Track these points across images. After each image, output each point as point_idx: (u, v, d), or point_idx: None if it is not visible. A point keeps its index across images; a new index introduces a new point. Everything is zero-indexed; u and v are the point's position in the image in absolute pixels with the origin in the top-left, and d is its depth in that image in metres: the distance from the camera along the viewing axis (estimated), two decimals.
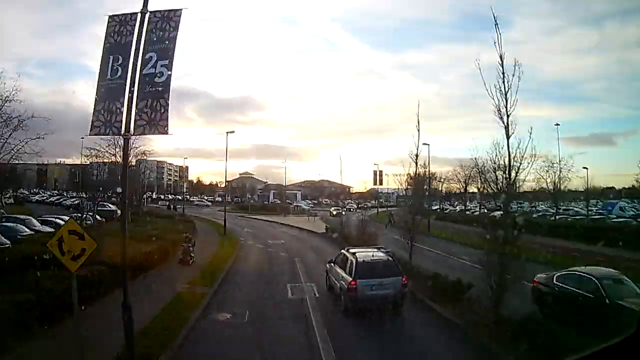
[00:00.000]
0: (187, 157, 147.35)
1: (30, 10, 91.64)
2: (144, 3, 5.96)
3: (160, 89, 5.91)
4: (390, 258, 10.21)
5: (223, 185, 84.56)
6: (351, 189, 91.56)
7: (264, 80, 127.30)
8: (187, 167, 57.84)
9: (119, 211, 20.78)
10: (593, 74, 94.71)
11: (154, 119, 5.86)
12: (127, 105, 5.67)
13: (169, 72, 5.95)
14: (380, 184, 41.83)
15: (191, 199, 61.93)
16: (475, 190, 42.26)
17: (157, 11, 6.04)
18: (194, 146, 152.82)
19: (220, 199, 71.08)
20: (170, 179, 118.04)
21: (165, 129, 5.96)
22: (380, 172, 40.48)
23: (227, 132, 28.08)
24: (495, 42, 7.55)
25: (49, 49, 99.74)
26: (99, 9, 37.78)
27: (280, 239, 22.80)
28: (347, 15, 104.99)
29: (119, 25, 5.99)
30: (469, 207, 47.85)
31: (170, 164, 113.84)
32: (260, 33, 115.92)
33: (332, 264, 11.19)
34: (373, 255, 10.15)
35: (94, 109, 5.74)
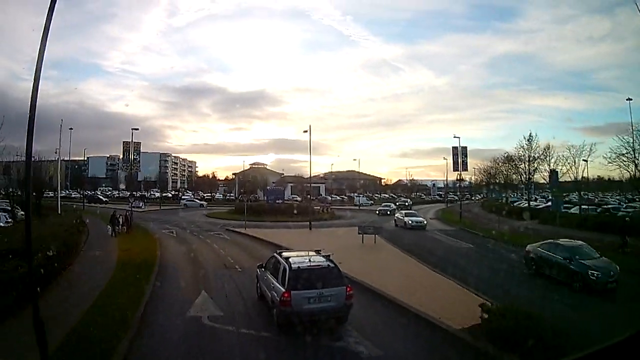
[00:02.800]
0: (202, 153, 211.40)
1: (40, 12, 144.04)
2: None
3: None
4: (331, 264, 13.70)
5: (230, 179, 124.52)
6: (383, 180, 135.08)
7: (279, 75, 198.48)
8: (193, 162, 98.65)
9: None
10: (607, 63, 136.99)
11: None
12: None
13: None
14: (465, 169, 62.55)
15: (183, 196, 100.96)
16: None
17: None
18: (210, 141, 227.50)
19: (221, 195, 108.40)
20: (176, 174, 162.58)
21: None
22: (464, 158, 59.91)
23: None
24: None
25: (61, 49, 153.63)
26: (108, 8, 75.16)
27: None
28: (359, 8, 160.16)
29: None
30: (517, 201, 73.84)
31: (176, 156, 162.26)
32: (272, 27, 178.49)
33: (263, 269, 15.84)
34: (310, 261, 13.76)
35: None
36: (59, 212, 49.00)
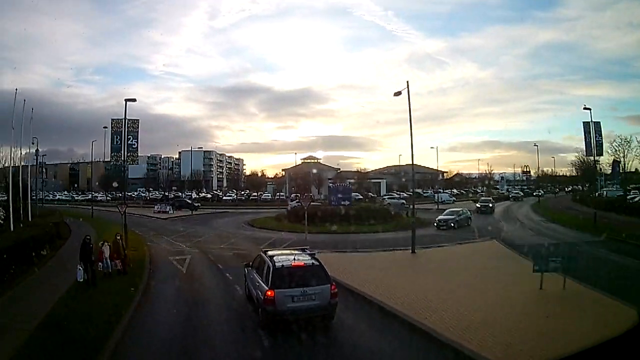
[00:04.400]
0: (250, 152, 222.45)
1: (82, 20, 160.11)
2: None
3: (133, 149, 29.41)
4: (315, 262, 13.62)
5: (280, 177, 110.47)
6: (446, 174, 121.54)
7: (323, 72, 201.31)
8: (240, 160, 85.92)
9: None
10: None
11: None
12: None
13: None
14: (601, 153, 50.81)
15: (223, 197, 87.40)
16: None
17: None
18: (257, 140, 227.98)
19: (269, 195, 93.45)
20: (221, 173, 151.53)
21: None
22: (598, 138, 46.93)
23: None
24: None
25: (105, 55, 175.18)
26: (148, 13, 69.61)
27: None
28: (399, 2, 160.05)
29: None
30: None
31: (221, 154, 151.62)
32: (314, 26, 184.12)
33: (250, 268, 15.70)
34: (295, 259, 13.70)
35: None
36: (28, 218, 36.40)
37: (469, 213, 42.57)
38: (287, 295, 12.48)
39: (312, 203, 39.22)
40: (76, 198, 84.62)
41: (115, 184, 62.53)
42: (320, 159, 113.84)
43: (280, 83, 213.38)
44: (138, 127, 29.46)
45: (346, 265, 22.62)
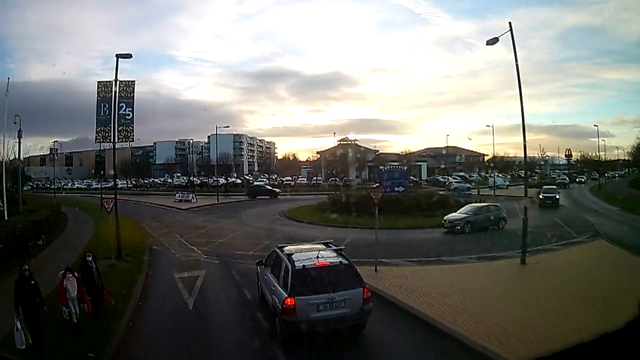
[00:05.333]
0: (281, 136, 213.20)
1: (109, 10, 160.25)
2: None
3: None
4: (344, 260, 11.49)
5: (315, 159, 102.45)
6: (486, 156, 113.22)
7: (353, 56, 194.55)
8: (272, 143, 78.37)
9: None
10: None
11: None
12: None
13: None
14: None
15: (254, 182, 79.53)
16: None
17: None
18: (289, 124, 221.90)
19: (304, 179, 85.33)
20: (252, 157, 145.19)
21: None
22: None
23: None
24: None
25: (133, 42, 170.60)
26: (175, 0, 64.26)
27: None
28: None
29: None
30: None
31: (252, 137, 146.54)
32: (342, 9, 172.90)
33: (264, 266, 13.75)
34: (318, 257, 11.34)
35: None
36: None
37: (500, 210, 30.42)
38: (310, 303, 10.29)
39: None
40: (94, 186, 77.78)
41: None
42: (357, 140, 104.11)
43: (310, 67, 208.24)
44: (133, 92, 21.39)
45: (457, 301, 13.97)
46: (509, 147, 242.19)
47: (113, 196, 21.44)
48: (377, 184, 69.48)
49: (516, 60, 19.81)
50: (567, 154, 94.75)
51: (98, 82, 21.35)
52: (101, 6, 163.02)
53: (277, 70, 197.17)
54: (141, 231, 29.42)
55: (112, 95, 20.86)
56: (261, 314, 12.99)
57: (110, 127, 20.73)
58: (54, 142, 66.60)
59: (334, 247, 12.51)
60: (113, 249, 20.17)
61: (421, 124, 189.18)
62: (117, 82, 20.92)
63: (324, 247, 12.62)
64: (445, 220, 29.11)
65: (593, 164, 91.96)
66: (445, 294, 14.66)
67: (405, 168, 45.55)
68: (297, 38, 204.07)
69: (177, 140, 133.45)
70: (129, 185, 78.83)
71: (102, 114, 21.03)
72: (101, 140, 20.96)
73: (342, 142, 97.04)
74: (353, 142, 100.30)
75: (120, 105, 20.91)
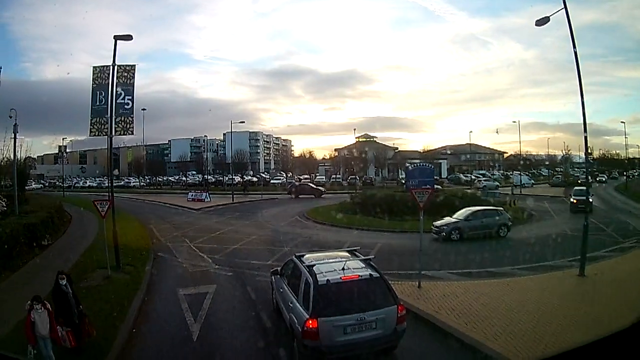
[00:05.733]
0: (298, 134, 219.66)
1: (123, 9, 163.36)
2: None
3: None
4: (374, 273, 9.68)
5: (333, 157, 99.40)
6: (505, 154, 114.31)
7: (368, 54, 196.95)
8: (288, 141, 75.76)
9: None
10: None
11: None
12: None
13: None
14: None
15: (271, 180, 76.83)
16: None
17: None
18: (305, 122, 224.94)
19: (322, 177, 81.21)
20: (268, 154, 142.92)
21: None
22: None
23: None
24: None
25: (148, 42, 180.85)
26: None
27: None
28: None
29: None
30: None
31: (268, 135, 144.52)
32: (359, 7, 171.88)
33: (279, 276, 12.21)
34: (344, 269, 9.69)
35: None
36: None
37: (502, 215, 26.17)
38: (336, 325, 8.49)
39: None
40: (106, 184, 75.63)
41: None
42: (376, 137, 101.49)
43: (325, 65, 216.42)
44: (133, 78, 18.58)
45: (529, 328, 10.79)
46: (525, 145, 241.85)
47: (108, 197, 18.45)
48: (395, 182, 66.46)
49: (574, 46, 16.82)
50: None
51: (93, 67, 18.56)
52: (117, 6, 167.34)
53: (292, 68, 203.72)
54: (147, 234, 26.70)
55: (109, 82, 18.13)
56: (284, 352, 10.12)
57: (107, 118, 17.94)
58: (63, 139, 66.25)
59: (362, 257, 10.79)
60: (109, 258, 17.48)
61: (436, 122, 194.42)
62: (115, 67, 18.20)
63: (350, 255, 10.84)
64: (433, 226, 25.28)
65: (612, 162, 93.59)
66: (511, 320, 11.66)
67: (432, 166, 42.43)
68: (312, 36, 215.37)
69: (192, 138, 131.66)
70: (142, 183, 76.40)
71: (97, 104, 18.24)
72: (96, 133, 18.10)
73: (360, 139, 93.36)
74: (372, 139, 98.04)
75: (118, 93, 18.14)
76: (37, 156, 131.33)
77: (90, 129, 18.24)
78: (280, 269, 12.30)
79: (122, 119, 18.15)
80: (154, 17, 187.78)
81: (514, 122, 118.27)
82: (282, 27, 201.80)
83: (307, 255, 11.10)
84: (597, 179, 73.48)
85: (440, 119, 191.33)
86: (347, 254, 11.11)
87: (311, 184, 60.84)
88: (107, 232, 17.83)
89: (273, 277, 12.72)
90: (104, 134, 18.09)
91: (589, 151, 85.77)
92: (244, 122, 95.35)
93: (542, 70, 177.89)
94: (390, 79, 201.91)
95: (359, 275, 9.39)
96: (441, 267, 17.73)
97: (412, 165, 40.79)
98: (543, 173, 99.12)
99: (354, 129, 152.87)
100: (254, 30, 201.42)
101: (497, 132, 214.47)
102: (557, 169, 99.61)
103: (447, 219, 25.72)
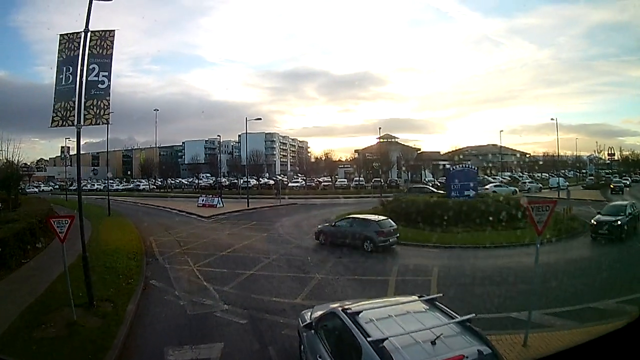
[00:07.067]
0: (313, 136, 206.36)
1: (138, 13, 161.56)
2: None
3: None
4: (483, 347, 6.09)
5: (352, 159, 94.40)
6: (529, 155, 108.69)
7: (381, 55, 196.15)
8: (304, 142, 71.04)
9: None
10: None
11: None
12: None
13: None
14: None
15: (288, 183, 72.31)
16: None
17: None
18: (319, 124, 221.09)
19: (344, 180, 76.47)
20: (285, 156, 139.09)
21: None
22: None
23: None
24: None
25: (162, 45, 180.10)
26: (203, 2, 61.73)
27: None
28: None
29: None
30: None
31: (284, 137, 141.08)
32: (371, 8, 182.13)
33: (312, 332, 8.45)
34: (435, 342, 6.07)
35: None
36: None
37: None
38: None
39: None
40: (114, 187, 71.49)
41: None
42: (398, 137, 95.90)
43: (338, 67, 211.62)
44: (112, 48, 13.51)
45: None
46: (539, 146, 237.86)
47: (69, 215, 13.47)
48: (421, 184, 61.33)
49: None
50: (609, 152, 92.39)
51: (60, 35, 13.62)
52: (130, 10, 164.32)
53: (305, 70, 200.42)
54: (142, 251, 21.76)
55: (79, 54, 13.17)
56: None
57: (74, 101, 12.93)
58: (67, 139, 62.16)
59: (445, 309, 7.07)
60: (77, 292, 12.61)
61: (450, 123, 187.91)
62: (89, 34, 13.21)
63: (424, 305, 7.24)
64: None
65: (633, 164, 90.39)
66: None
67: (476, 168, 37.03)
68: (324, 38, 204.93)
69: (206, 139, 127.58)
70: (152, 186, 71.87)
71: (63, 83, 13.27)
72: (59, 121, 13.12)
73: (382, 140, 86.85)
74: (394, 140, 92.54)
75: (91, 67, 13.15)
76: (50, 158, 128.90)
77: (53, 116, 13.21)
78: (315, 322, 8.34)
79: (95, 102, 13.08)
80: (167, 21, 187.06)
81: (552, 119, 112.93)
82: (295, 28, 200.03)
83: (358, 308, 7.11)
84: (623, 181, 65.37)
85: (454, 119, 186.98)
86: (416, 300, 7.48)
87: (429, 186, 54.82)
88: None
89: (303, 333, 8.76)
90: (70, 122, 13.05)
91: (611, 152, 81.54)
92: (260, 119, 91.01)
93: (556, 70, 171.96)
94: (403, 80, 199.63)
95: (463, 356, 5.75)
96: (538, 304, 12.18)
97: (453, 168, 35.24)
98: (568, 175, 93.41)
99: (379, 128, 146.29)
100: (266, 32, 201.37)
101: (520, 135, 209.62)
102: (583, 170, 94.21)
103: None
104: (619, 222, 22.70)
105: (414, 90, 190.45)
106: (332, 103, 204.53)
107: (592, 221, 23.84)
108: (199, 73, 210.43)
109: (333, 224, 24.46)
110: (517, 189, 55.16)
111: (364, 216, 24.36)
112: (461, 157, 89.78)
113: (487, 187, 53.89)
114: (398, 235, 22.57)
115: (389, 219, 23.18)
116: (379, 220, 22.43)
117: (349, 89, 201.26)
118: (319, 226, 25.04)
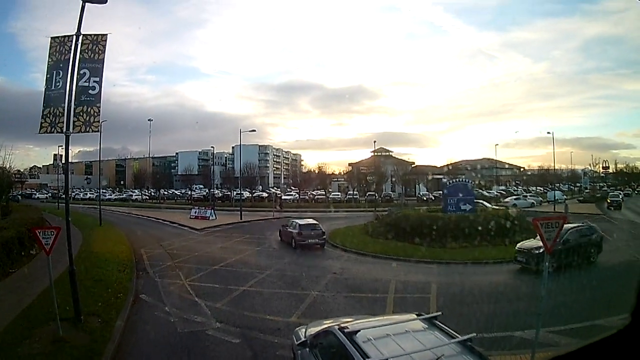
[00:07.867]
0: (306, 149, 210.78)
1: (134, 23, 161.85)
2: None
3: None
4: None
5: (347, 172, 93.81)
6: (523, 168, 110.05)
7: (375, 69, 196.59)
8: (298, 155, 70.38)
9: None
10: None
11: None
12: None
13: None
14: None
15: (282, 196, 71.67)
16: None
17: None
18: (312, 137, 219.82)
19: (338, 194, 76.30)
20: (278, 169, 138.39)
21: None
22: None
23: None
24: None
25: (157, 55, 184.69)
26: (199, 14, 61.57)
27: None
28: None
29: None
30: None
31: (277, 149, 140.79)
32: (364, 22, 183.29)
33: (307, 350, 8.25)
34: None
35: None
36: None
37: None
38: None
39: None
40: (107, 196, 70.63)
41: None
42: (392, 151, 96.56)
43: (331, 80, 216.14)
44: (104, 53, 12.99)
45: None
46: (533, 160, 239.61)
47: (55, 226, 12.79)
48: (416, 198, 60.82)
49: None
50: (604, 166, 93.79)
51: (51, 38, 13.10)
52: (127, 20, 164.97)
53: (299, 83, 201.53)
54: (133, 264, 21.11)
55: (69, 58, 12.65)
56: None
57: (64, 107, 12.37)
58: (59, 147, 61.73)
59: (446, 328, 6.76)
60: (64, 307, 11.99)
61: (443, 137, 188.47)
62: (80, 38, 12.70)
63: (423, 324, 6.97)
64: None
65: (628, 176, 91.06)
66: None
67: (471, 182, 36.65)
68: (319, 51, 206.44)
69: (199, 150, 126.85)
70: (144, 197, 71.03)
71: (52, 88, 12.72)
72: (48, 128, 12.53)
73: (376, 154, 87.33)
74: (388, 154, 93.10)
75: (82, 72, 12.62)
76: (43, 165, 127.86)
77: (42, 122, 12.61)
78: (310, 339, 8.09)
79: (85, 109, 12.53)
80: (163, 31, 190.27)
81: (548, 133, 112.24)
82: (289, 42, 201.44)
83: (355, 327, 6.85)
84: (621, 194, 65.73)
85: (448, 133, 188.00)
86: (415, 319, 7.19)
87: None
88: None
89: (299, 351, 8.35)
90: (59, 129, 12.48)
91: (605, 165, 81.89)
92: (254, 131, 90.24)
93: (550, 84, 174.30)
94: (397, 94, 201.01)
95: None
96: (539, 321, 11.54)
97: (449, 182, 34.84)
98: (562, 188, 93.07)
99: (374, 141, 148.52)
100: (260, 45, 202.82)
101: (514, 145, 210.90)
102: (577, 183, 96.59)
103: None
104: (538, 252, 18.11)
105: (408, 104, 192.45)
106: (326, 116, 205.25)
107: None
108: (193, 84, 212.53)
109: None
110: (534, 202, 57.68)
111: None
112: (453, 169, 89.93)
113: (507, 200, 55.79)
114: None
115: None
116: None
117: (342, 103, 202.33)
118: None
